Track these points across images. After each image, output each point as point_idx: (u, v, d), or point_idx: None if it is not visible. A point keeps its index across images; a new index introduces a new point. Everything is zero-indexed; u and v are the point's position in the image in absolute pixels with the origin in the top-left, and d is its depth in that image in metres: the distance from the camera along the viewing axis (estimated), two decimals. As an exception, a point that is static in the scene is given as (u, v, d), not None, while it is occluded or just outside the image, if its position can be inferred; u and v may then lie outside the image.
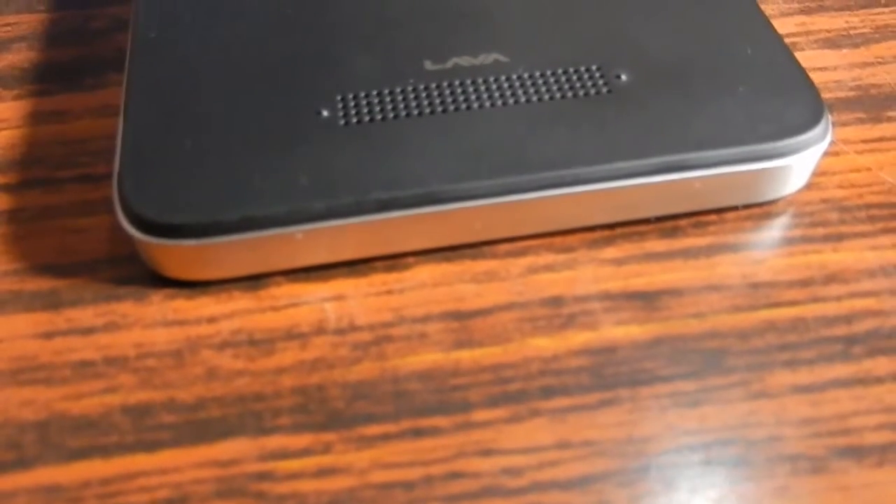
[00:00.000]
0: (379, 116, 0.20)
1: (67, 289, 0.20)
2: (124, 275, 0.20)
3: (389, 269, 0.20)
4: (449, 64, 0.21)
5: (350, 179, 0.19)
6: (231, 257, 0.19)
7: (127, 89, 0.21)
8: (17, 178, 0.22)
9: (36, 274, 0.20)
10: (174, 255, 0.19)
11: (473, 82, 0.21)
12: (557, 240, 0.20)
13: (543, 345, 0.18)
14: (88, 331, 0.19)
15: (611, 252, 0.20)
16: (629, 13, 0.22)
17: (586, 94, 0.20)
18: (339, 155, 0.19)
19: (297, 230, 0.18)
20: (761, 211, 0.21)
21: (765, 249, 0.20)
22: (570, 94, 0.20)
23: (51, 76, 0.25)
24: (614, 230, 0.20)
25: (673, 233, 0.20)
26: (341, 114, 0.20)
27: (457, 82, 0.21)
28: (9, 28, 0.26)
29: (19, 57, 0.25)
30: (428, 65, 0.21)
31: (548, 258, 0.20)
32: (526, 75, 0.21)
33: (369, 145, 0.19)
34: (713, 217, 0.21)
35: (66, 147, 0.23)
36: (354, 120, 0.20)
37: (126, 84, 0.21)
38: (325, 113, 0.20)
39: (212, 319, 0.19)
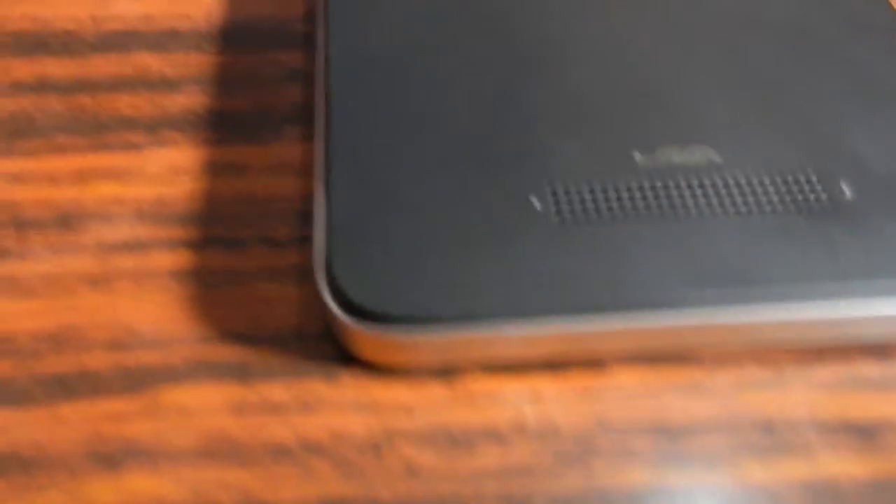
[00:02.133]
0: (594, 214, 0.19)
1: (257, 361, 0.19)
2: (314, 352, 0.19)
3: (588, 369, 0.19)
4: (658, 157, 0.20)
5: (571, 282, 0.18)
6: (438, 350, 0.18)
7: (327, 157, 0.20)
8: (200, 234, 0.21)
9: (225, 343, 0.19)
10: (383, 343, 0.18)
11: (688, 185, 0.20)
12: (762, 351, 0.19)
13: (759, 475, 0.18)
14: (280, 408, 0.18)
15: (821, 373, 0.19)
16: (848, 117, 0.21)
17: (809, 210, 0.19)
18: (557, 255, 0.18)
19: (515, 331, 0.18)
20: (978, 342, 0.20)
21: None
22: (791, 206, 0.20)
23: (226, 125, 0.24)
24: (822, 348, 0.19)
25: (884, 355, 0.19)
26: (553, 209, 0.19)
27: (670, 183, 0.20)
28: (180, 68, 0.26)
29: (192, 101, 0.25)
30: (637, 157, 0.20)
31: (755, 373, 0.19)
32: (743, 181, 0.20)
33: (586, 247, 0.19)
34: (927, 342, 0.20)
35: (246, 206, 0.22)
36: (568, 216, 0.19)
37: (326, 151, 0.21)
38: (537, 205, 0.19)
39: (408, 409, 0.18)
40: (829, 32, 0.23)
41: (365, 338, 0.18)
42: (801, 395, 0.19)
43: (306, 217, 0.22)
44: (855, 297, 0.18)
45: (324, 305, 0.18)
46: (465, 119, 0.21)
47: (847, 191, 0.20)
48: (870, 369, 0.19)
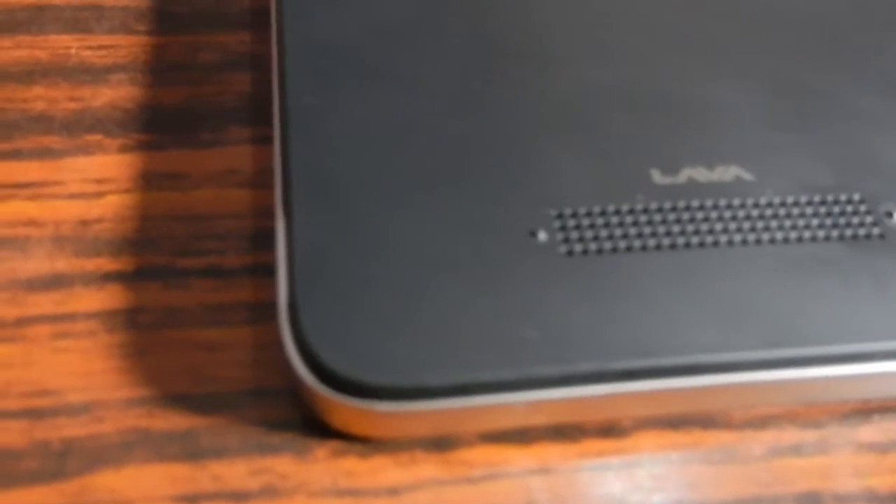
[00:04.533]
0: (607, 245, 0.16)
1: (208, 431, 0.16)
2: (275, 416, 0.16)
3: (603, 435, 0.16)
4: (681, 177, 0.17)
5: (586, 339, 0.15)
6: (429, 423, 0.15)
7: (286, 175, 0.17)
8: (132, 264, 0.18)
9: (166, 406, 0.16)
10: (363, 416, 0.15)
11: (715, 206, 0.17)
12: (801, 410, 0.17)
13: (809, 562, 0.15)
14: (241, 497, 0.15)
15: (868, 433, 0.17)
16: (891, 131, 0.18)
17: (854, 236, 0.17)
18: (568, 301, 0.15)
19: (521, 400, 0.15)
20: None
21: None
22: (833, 233, 0.17)
23: (160, 123, 0.21)
24: (868, 402, 0.17)
25: (938, 410, 0.17)
26: (560, 237, 0.16)
27: (695, 204, 0.17)
28: (104, 53, 0.22)
29: (120, 94, 0.21)
30: (656, 176, 0.17)
31: (793, 435, 0.16)
32: (776, 201, 0.17)
33: (602, 289, 0.16)
34: (983, 393, 0.17)
35: (186, 225, 0.19)
36: (578, 248, 0.16)
37: (283, 167, 0.17)
38: (541, 236, 0.16)
39: (394, 491, 0.15)
40: (869, 33, 0.20)
41: (342, 409, 0.15)
42: (847, 460, 0.16)
43: (259, 239, 0.19)
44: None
45: (290, 365, 0.15)
46: (448, 125, 0.18)
47: (896, 215, 0.17)
48: (923, 425, 0.17)
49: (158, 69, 0.22)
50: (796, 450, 0.16)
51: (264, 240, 0.18)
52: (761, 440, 0.16)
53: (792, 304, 0.16)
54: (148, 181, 0.19)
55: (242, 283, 0.18)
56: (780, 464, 0.16)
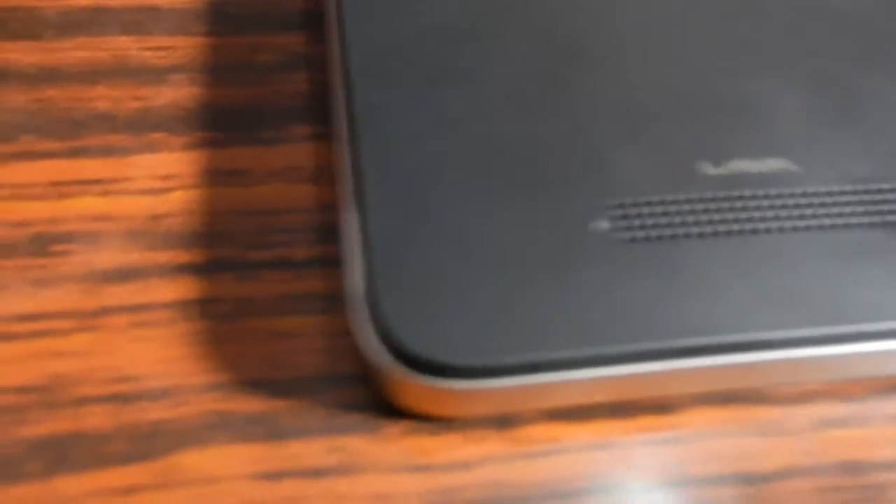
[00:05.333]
0: (667, 232, 0.17)
1: (286, 413, 0.17)
2: (349, 399, 0.17)
3: (659, 411, 0.17)
4: (731, 169, 0.18)
5: (649, 318, 0.16)
6: (500, 401, 0.16)
7: (356, 170, 0.18)
8: (204, 257, 0.19)
9: (245, 390, 0.17)
10: (439, 395, 0.15)
11: (765, 196, 0.18)
12: (842, 386, 0.18)
13: (860, 530, 0.16)
14: (320, 473, 0.16)
15: (906, 406, 0.17)
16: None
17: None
18: (631, 284, 0.16)
19: (589, 376, 0.15)
20: None
21: None
22: (876, 219, 0.17)
23: (221, 122, 0.21)
24: (909, 379, 0.18)
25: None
26: (622, 225, 0.17)
27: (747, 193, 0.18)
28: (163, 54, 0.23)
29: (181, 93, 0.22)
30: (708, 168, 0.18)
31: (836, 409, 0.17)
32: (822, 190, 0.18)
33: (662, 273, 0.16)
34: None
35: (253, 219, 0.19)
36: (639, 235, 0.17)
37: (353, 163, 0.18)
38: (604, 225, 0.17)
39: (465, 466, 0.16)
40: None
41: (418, 389, 0.16)
42: (888, 433, 0.17)
43: (325, 232, 0.19)
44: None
45: (366, 349, 0.16)
46: (509, 122, 0.19)
47: (937, 203, 0.18)
48: (963, 401, 0.17)
49: (217, 69, 0.23)
50: (840, 423, 0.17)
51: (330, 233, 0.19)
52: (807, 414, 0.17)
53: (838, 284, 0.16)
54: (213, 177, 0.20)
55: (311, 275, 0.19)
56: (824, 436, 0.17)
